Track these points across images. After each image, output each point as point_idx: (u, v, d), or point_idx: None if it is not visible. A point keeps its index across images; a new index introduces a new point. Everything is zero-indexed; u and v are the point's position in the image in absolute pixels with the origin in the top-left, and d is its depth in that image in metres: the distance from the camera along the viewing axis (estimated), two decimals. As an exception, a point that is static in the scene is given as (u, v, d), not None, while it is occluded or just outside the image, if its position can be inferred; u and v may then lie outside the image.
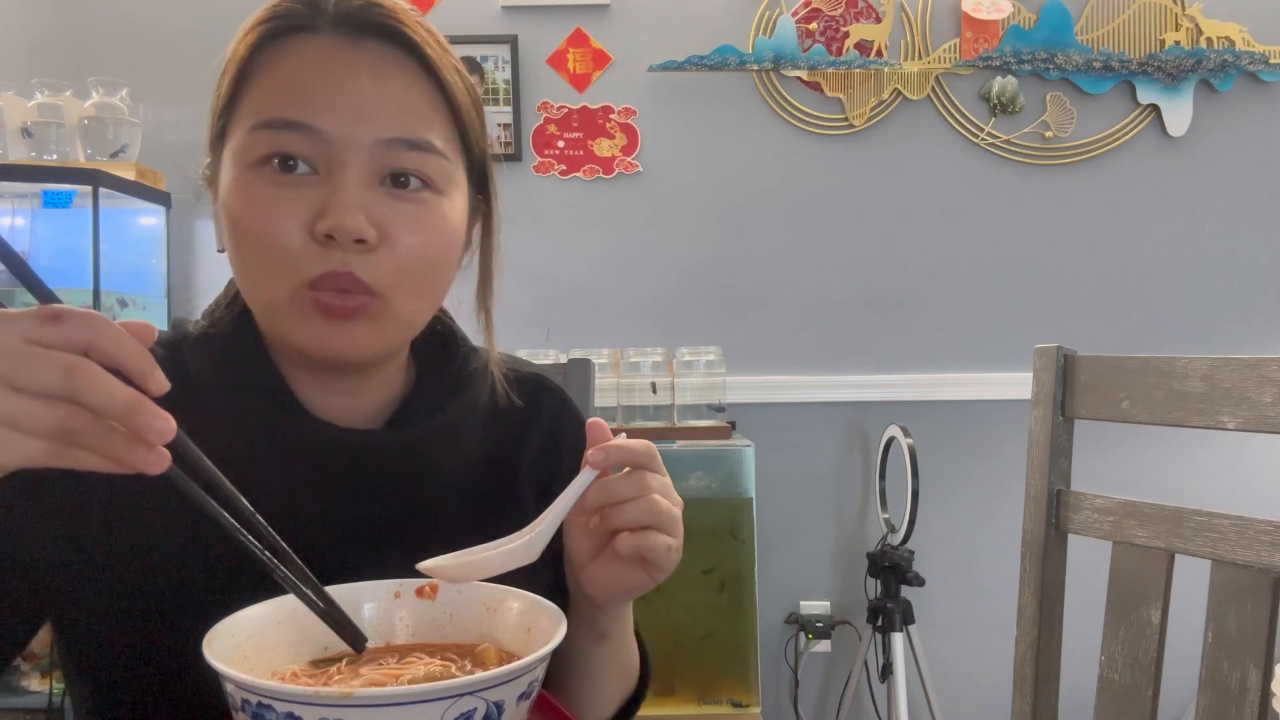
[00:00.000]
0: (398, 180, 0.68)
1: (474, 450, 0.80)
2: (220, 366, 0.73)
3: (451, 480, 0.77)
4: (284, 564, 0.57)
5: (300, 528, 0.66)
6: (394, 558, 0.69)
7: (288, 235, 0.65)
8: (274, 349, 0.74)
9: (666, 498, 0.64)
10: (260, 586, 0.61)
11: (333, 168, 0.66)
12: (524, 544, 0.63)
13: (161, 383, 0.48)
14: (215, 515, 0.53)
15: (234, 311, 0.76)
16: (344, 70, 0.66)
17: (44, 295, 0.48)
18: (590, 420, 0.64)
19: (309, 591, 0.58)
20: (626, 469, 0.64)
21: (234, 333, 0.74)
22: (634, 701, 0.81)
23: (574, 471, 0.83)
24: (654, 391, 2.22)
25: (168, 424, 0.48)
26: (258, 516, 0.56)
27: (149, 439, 0.48)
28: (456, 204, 0.71)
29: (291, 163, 0.66)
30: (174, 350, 0.74)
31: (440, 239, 0.70)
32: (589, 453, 0.63)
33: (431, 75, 0.69)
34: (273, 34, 0.68)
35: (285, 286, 0.66)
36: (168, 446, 0.49)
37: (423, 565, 0.62)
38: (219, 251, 0.72)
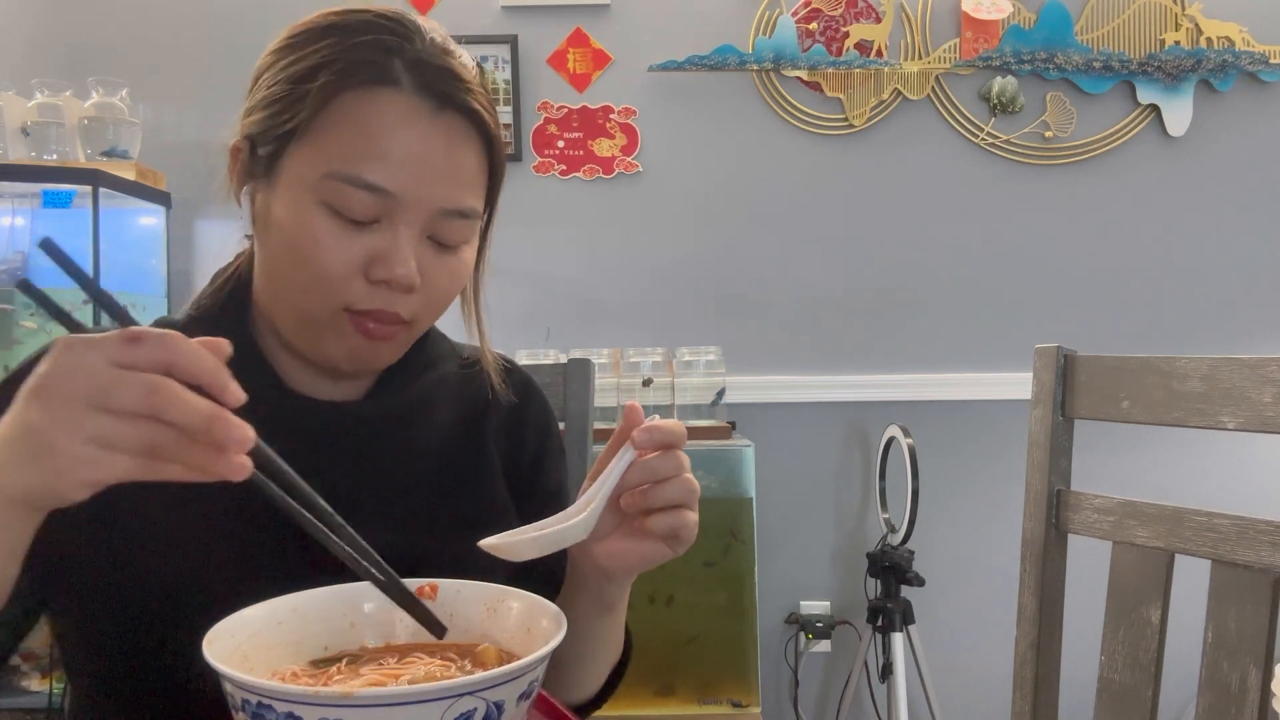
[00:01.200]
0: (441, 238, 0.75)
1: (445, 422, 0.85)
2: None
3: (425, 448, 0.83)
4: (368, 562, 0.59)
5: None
6: (374, 521, 0.73)
7: (342, 271, 0.71)
8: (261, 333, 0.79)
9: (691, 470, 0.68)
10: (261, 586, 0.62)
11: (394, 222, 0.72)
12: (578, 523, 0.65)
13: (238, 394, 0.51)
14: (297, 517, 0.56)
15: (219, 299, 0.80)
16: (421, 138, 0.71)
17: (123, 318, 0.51)
18: (628, 404, 0.67)
19: (396, 590, 0.60)
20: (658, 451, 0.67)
21: (219, 316, 0.79)
22: (619, 671, 0.85)
23: (540, 445, 0.91)
24: (647, 384, 2.22)
25: (246, 433, 0.50)
26: (338, 518, 0.58)
27: (230, 448, 0.50)
28: (474, 246, 0.80)
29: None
30: None
31: (461, 281, 0.79)
32: (634, 433, 0.66)
33: (487, 144, 0.76)
34: (356, 82, 0.71)
35: (327, 307, 0.72)
36: (249, 453, 0.52)
37: (484, 543, 0.65)
38: (246, 237, 0.79)
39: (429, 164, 0.71)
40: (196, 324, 0.78)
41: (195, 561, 0.71)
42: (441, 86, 0.72)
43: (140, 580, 0.70)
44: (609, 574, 0.71)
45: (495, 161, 0.77)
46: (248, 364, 0.75)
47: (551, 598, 0.75)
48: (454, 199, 0.73)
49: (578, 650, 0.79)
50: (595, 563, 0.71)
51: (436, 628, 0.62)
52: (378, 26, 0.72)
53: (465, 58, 0.76)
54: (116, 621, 0.71)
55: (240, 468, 0.51)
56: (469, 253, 0.78)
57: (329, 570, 0.68)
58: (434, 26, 0.75)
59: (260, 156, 0.74)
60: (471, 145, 0.74)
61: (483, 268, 0.84)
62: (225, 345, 0.52)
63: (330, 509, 0.57)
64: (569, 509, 0.67)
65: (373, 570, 0.59)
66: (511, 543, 0.64)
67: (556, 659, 0.78)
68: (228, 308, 0.79)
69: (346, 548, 0.57)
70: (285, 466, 0.56)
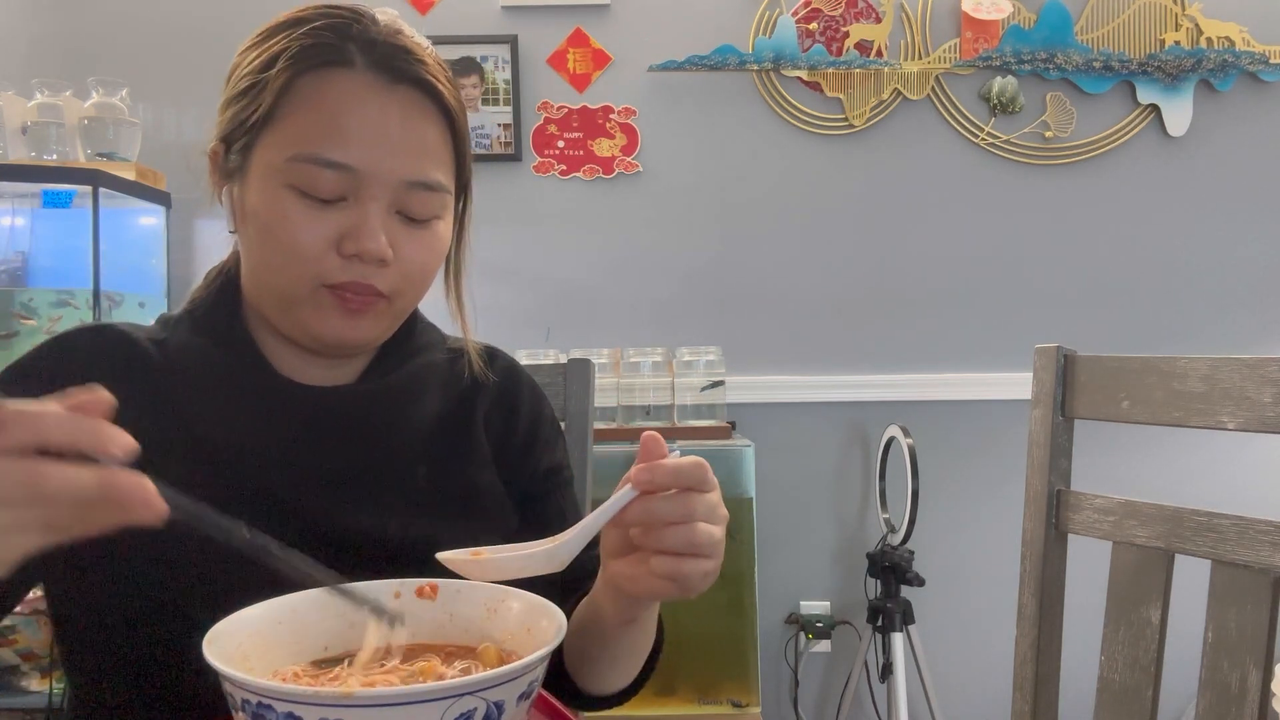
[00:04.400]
0: (409, 212, 0.77)
1: (432, 406, 0.87)
2: (199, 335, 0.81)
3: (413, 430, 0.84)
4: (307, 567, 0.59)
5: (274, 473, 0.75)
6: (363, 500, 0.77)
7: (315, 248, 0.73)
8: (253, 324, 0.82)
9: (711, 518, 0.64)
10: (266, 584, 0.62)
11: (361, 198, 0.74)
12: (546, 551, 0.63)
13: (124, 445, 0.50)
14: (223, 536, 0.56)
15: (212, 293, 0.83)
16: (378, 112, 0.74)
17: None
18: (646, 434, 0.63)
19: (339, 587, 0.60)
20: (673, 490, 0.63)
21: (211, 309, 0.82)
22: (651, 663, 0.84)
23: (531, 427, 0.92)
24: (648, 413, 2.22)
25: (142, 484, 0.49)
26: (265, 538, 0.57)
27: (133, 503, 0.49)
28: (448, 222, 0.82)
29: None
30: (161, 330, 0.83)
31: (436, 254, 0.80)
32: (634, 471, 0.62)
33: (445, 116, 0.78)
34: (312, 66, 0.74)
35: (305, 285, 0.74)
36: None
37: (441, 556, 0.63)
38: (230, 232, 0.81)
39: (388, 137, 0.74)
40: (190, 319, 0.82)
41: (201, 553, 0.71)
42: (393, 62, 0.75)
43: (144, 568, 0.71)
44: (624, 592, 0.69)
45: (457, 135, 0.79)
46: (240, 352, 0.80)
47: (563, 596, 0.75)
48: (417, 171, 0.75)
49: (603, 653, 0.79)
50: (610, 578, 0.69)
51: (383, 613, 0.61)
52: (330, 15, 0.76)
53: (418, 37, 0.79)
54: (118, 611, 0.72)
55: (155, 513, 0.50)
56: (442, 228, 0.80)
57: (348, 568, 0.69)
58: (386, 12, 0.79)
59: (234, 154, 0.77)
60: (430, 119, 0.77)
61: (464, 253, 0.87)
62: (104, 397, 0.51)
63: (255, 534, 0.56)
64: (553, 536, 0.64)
65: (313, 574, 0.59)
66: (467, 561, 0.62)
67: (584, 655, 0.79)
68: (219, 301, 0.82)
69: (281, 556, 0.57)
70: (193, 505, 0.54)
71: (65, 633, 0.77)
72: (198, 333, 0.80)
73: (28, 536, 0.49)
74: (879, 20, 2.46)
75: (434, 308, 0.91)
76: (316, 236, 0.73)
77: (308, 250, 0.73)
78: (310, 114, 0.73)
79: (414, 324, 0.89)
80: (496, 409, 0.91)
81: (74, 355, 0.78)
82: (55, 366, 0.77)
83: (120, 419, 0.74)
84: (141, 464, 0.73)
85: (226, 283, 0.83)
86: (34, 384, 0.75)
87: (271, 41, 0.76)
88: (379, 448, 0.81)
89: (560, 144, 2.49)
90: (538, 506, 0.89)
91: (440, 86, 0.77)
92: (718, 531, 0.64)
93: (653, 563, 0.63)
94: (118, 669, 0.73)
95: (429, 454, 0.84)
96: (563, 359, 1.88)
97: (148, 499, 0.49)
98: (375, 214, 0.74)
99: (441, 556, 0.63)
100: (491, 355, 0.94)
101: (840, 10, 2.46)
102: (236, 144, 0.77)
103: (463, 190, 0.84)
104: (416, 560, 0.69)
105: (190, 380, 0.78)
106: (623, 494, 0.62)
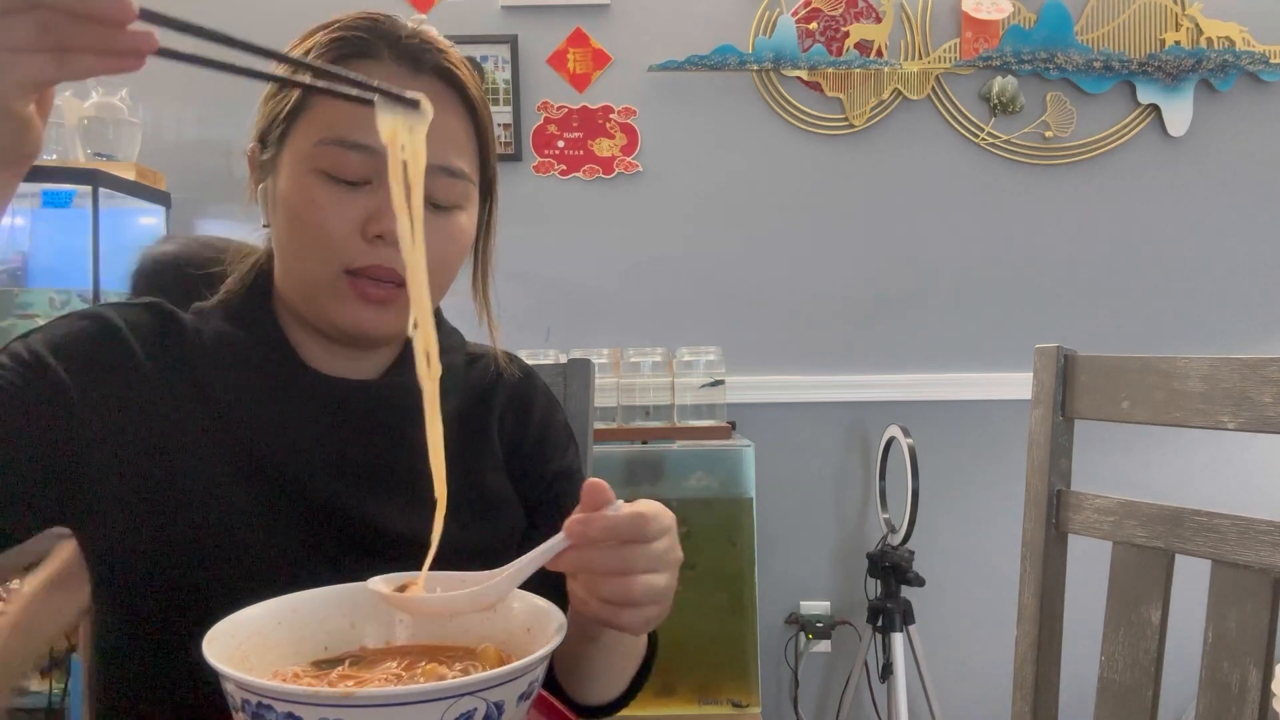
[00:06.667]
0: (433, 197, 0.80)
1: (450, 409, 0.88)
2: (232, 325, 0.83)
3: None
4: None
5: (293, 459, 0.79)
6: (376, 493, 0.80)
7: (340, 231, 0.76)
8: (283, 316, 0.84)
9: (655, 567, 0.63)
10: (299, 568, 0.64)
11: (385, 180, 0.74)
12: (470, 593, 0.61)
13: None
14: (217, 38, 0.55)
15: (245, 284, 0.86)
16: None
17: None
18: (589, 481, 0.62)
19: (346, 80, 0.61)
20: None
21: (244, 300, 0.85)
22: (645, 668, 0.84)
23: (542, 431, 0.94)
24: (648, 415, 2.22)
25: (128, 3, 0.50)
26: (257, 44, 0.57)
27: (121, 18, 0.51)
28: (471, 215, 0.84)
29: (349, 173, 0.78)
30: (197, 318, 0.85)
31: (458, 245, 0.83)
32: (569, 521, 0.61)
33: (469, 109, 0.82)
34: (341, 57, 0.78)
35: (329, 271, 0.77)
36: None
37: (370, 583, 0.62)
38: (264, 226, 0.85)
39: None
40: (223, 308, 0.85)
41: (239, 536, 0.75)
42: (417, 54, 0.79)
43: (181, 545, 0.73)
44: (579, 613, 0.67)
45: (480, 128, 0.83)
46: (268, 341, 0.83)
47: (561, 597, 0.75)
48: (439, 155, 0.77)
49: (589, 663, 0.79)
50: (570, 595, 0.67)
51: (402, 99, 0.61)
52: (362, 16, 0.81)
53: (439, 35, 0.83)
54: (155, 588, 0.74)
55: (145, 39, 0.51)
56: (464, 220, 0.82)
57: (368, 561, 0.69)
58: (412, 17, 0.83)
59: (268, 149, 0.81)
60: (453, 108, 0.80)
61: (490, 255, 0.90)
62: None
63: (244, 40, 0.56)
64: (495, 571, 0.63)
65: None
66: (387, 595, 0.62)
67: (572, 666, 0.80)
68: (251, 292, 0.85)
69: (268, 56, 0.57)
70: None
71: (104, 603, 0.80)
72: (229, 321, 0.83)
73: (38, 55, 0.49)
74: (879, 20, 2.46)
75: (450, 313, 0.93)
76: (342, 219, 0.76)
77: (333, 233, 0.76)
78: (337, 101, 0.76)
79: (438, 325, 0.91)
80: (510, 412, 0.93)
81: (125, 326, 0.80)
82: (107, 334, 0.78)
83: (158, 395, 0.78)
84: (170, 440, 0.76)
85: (259, 275, 0.86)
86: (84, 348, 0.77)
87: (306, 41, 0.80)
88: (396, 443, 0.82)
89: (560, 144, 2.49)
90: (547, 510, 0.90)
91: (462, 78, 0.81)
92: (660, 580, 0.63)
93: (593, 606, 0.63)
94: (153, 644, 0.76)
95: (447, 451, 0.85)
96: (563, 359, 1.88)
97: (131, 15, 0.50)
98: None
99: (370, 583, 0.62)
100: (510, 361, 0.96)
101: (840, 10, 2.46)
102: (271, 139, 0.80)
103: (487, 189, 0.87)
104: (423, 557, 0.70)
105: (220, 365, 0.81)
106: (554, 541, 0.61)
